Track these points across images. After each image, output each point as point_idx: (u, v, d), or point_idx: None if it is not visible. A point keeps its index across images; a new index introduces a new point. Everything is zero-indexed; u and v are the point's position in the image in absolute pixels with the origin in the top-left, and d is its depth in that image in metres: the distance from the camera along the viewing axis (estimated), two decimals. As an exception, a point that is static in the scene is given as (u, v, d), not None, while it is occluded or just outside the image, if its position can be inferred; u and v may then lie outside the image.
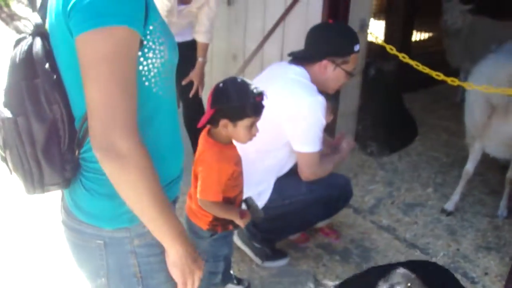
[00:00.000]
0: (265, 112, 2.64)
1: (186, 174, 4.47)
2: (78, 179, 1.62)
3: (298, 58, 3.23)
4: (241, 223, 2.65)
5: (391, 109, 5.43)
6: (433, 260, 3.70)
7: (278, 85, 3.11)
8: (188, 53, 4.14)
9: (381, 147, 5.21)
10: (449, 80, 3.65)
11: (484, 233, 4.08)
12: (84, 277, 1.78)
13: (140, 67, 1.50)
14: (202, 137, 2.67)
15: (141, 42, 1.47)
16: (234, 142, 2.65)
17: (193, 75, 4.17)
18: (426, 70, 3.77)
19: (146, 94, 1.54)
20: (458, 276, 3.54)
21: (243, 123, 2.48)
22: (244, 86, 2.46)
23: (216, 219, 2.71)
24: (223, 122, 2.49)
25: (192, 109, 4.42)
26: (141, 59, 1.49)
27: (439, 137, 5.74)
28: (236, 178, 2.66)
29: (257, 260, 3.55)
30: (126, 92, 1.40)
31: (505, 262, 3.72)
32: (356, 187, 4.52)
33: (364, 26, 4.06)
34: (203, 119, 2.52)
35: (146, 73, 1.52)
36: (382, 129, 5.24)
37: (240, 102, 2.43)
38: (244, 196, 2.80)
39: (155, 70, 1.53)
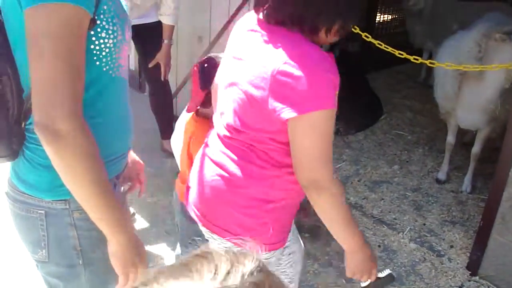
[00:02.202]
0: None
1: (155, 156, 4.47)
2: (21, 149, 1.62)
3: None
4: None
5: (356, 89, 5.48)
6: (400, 235, 3.78)
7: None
8: (153, 35, 4.12)
9: (347, 126, 5.26)
10: (411, 58, 3.69)
11: (449, 207, 4.17)
12: (27, 251, 1.76)
13: (92, 46, 1.50)
14: (193, 121, 2.64)
15: (94, 21, 1.47)
16: None
17: (160, 57, 4.15)
18: (389, 49, 3.81)
19: (96, 73, 1.55)
20: (424, 250, 3.64)
21: None
22: None
23: None
24: None
25: (158, 91, 4.41)
26: (93, 38, 1.50)
27: (404, 115, 5.83)
28: None
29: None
30: (71, 71, 1.40)
31: (469, 235, 3.81)
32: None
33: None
34: (195, 104, 2.51)
35: (98, 52, 1.53)
36: (348, 109, 5.28)
37: None
38: None
39: (107, 50, 1.54)
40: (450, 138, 4.49)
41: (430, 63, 3.68)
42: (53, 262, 1.71)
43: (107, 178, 1.52)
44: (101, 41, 1.52)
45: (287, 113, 1.63)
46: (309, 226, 3.78)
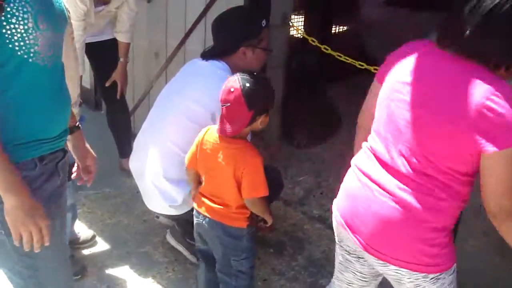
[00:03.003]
0: (192, 110, 2.87)
1: (113, 175, 4.38)
2: None
3: (213, 55, 3.17)
4: (271, 219, 2.81)
5: (315, 100, 5.48)
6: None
7: (204, 84, 3.07)
8: (108, 53, 4.06)
9: (307, 139, 5.25)
10: (372, 68, 3.71)
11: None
12: None
13: (3, 30, 1.70)
14: (219, 140, 2.65)
15: (2, 8, 1.68)
16: None
17: (116, 76, 4.09)
18: (349, 60, 3.83)
19: (8, 54, 1.74)
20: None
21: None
22: (258, 76, 2.65)
23: (251, 214, 2.75)
24: (259, 118, 2.60)
25: (116, 109, 4.34)
26: (4, 23, 1.70)
27: (363, 126, 5.81)
28: None
29: (191, 258, 3.50)
30: None
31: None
32: (285, 179, 4.53)
33: (286, 20, 4.07)
34: (241, 126, 2.56)
35: (10, 36, 1.72)
36: (307, 121, 5.29)
37: (270, 93, 2.69)
38: None
39: (18, 35, 1.73)
40: None
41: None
42: None
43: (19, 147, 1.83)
44: (12, 26, 1.71)
45: (488, 147, 1.74)
46: (274, 242, 3.74)
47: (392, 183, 1.95)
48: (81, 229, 3.67)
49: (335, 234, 2.27)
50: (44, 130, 1.93)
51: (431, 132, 1.84)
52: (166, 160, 3.14)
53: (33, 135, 1.89)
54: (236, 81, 2.53)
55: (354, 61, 3.84)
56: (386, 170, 1.97)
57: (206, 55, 3.19)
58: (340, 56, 3.89)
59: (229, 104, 2.53)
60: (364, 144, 2.16)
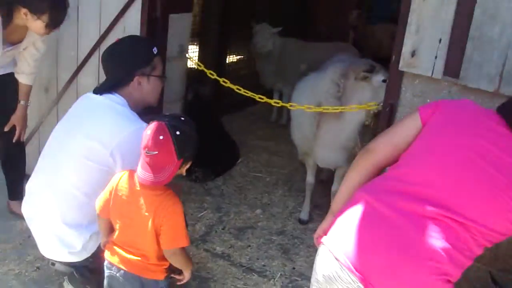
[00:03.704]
0: (90, 148, 2.77)
1: (2, 218, 4.08)
2: None
3: (107, 88, 3.03)
4: (190, 273, 2.74)
5: (211, 133, 5.40)
6: (271, 281, 3.70)
7: (101, 120, 2.92)
8: (9, 86, 3.85)
9: (205, 172, 5.15)
10: (272, 102, 3.69)
11: (316, 248, 4.14)
12: None
13: None
14: (140, 186, 2.51)
15: None
16: None
17: (15, 119, 3.88)
18: (249, 93, 3.78)
19: None
20: (297, 295, 3.57)
21: None
22: (186, 120, 2.56)
23: (169, 266, 2.63)
24: (186, 165, 2.55)
25: (12, 153, 4.12)
26: None
27: (260, 157, 5.82)
28: None
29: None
30: None
31: (338, 275, 3.80)
32: (185, 216, 4.41)
33: (183, 52, 4.00)
34: (170, 176, 2.45)
35: None
36: (204, 154, 5.16)
37: (197, 139, 2.55)
38: None
39: None
40: (310, 178, 4.52)
41: (291, 105, 3.68)
42: None
43: None
44: None
45: None
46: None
47: (411, 224, 1.92)
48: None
49: (321, 273, 2.12)
50: None
51: (480, 186, 1.92)
52: (64, 204, 2.94)
53: None
54: (165, 128, 2.40)
55: (253, 94, 3.80)
56: (409, 213, 1.94)
57: (100, 89, 3.04)
58: (240, 89, 3.85)
59: (156, 152, 2.38)
60: (389, 176, 2.13)
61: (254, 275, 3.77)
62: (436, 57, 2.69)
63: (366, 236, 1.96)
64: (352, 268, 1.94)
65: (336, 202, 2.33)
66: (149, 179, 2.42)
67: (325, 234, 2.16)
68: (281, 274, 3.80)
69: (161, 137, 2.38)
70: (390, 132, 2.25)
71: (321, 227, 2.37)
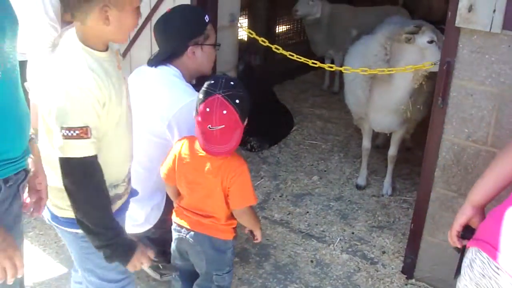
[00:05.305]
0: (152, 123, 2.78)
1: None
2: None
3: (161, 60, 3.02)
4: (259, 229, 2.84)
5: (265, 102, 5.41)
6: (331, 247, 3.71)
7: (158, 93, 2.94)
8: None
9: (260, 141, 5.17)
10: (326, 66, 3.66)
11: (374, 213, 4.15)
12: None
13: None
14: (200, 157, 2.53)
15: None
16: None
17: None
18: (302, 59, 3.76)
19: None
20: (357, 259, 3.58)
21: None
22: (236, 83, 2.48)
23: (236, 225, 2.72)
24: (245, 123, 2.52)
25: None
26: None
27: (315, 124, 5.80)
28: None
29: (154, 275, 3.36)
30: None
31: (398, 238, 3.79)
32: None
33: (234, 20, 3.99)
34: (239, 140, 2.48)
35: None
36: (259, 123, 5.19)
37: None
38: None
39: None
40: (366, 143, 4.48)
41: (345, 69, 3.64)
42: None
43: None
44: None
45: None
46: (238, 250, 3.63)
47: None
48: (36, 252, 3.49)
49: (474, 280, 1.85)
50: (7, 150, 1.78)
51: None
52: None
53: None
54: (224, 102, 2.37)
55: (306, 60, 3.77)
56: None
57: (154, 61, 3.05)
58: (292, 56, 3.82)
59: (223, 126, 2.38)
60: None
61: (313, 241, 3.79)
62: (494, 10, 2.61)
63: None
64: None
65: (478, 192, 2.00)
66: (220, 151, 2.44)
67: (462, 230, 2.00)
68: (340, 239, 3.81)
69: (224, 112, 2.36)
70: None
71: (457, 221, 2.07)
